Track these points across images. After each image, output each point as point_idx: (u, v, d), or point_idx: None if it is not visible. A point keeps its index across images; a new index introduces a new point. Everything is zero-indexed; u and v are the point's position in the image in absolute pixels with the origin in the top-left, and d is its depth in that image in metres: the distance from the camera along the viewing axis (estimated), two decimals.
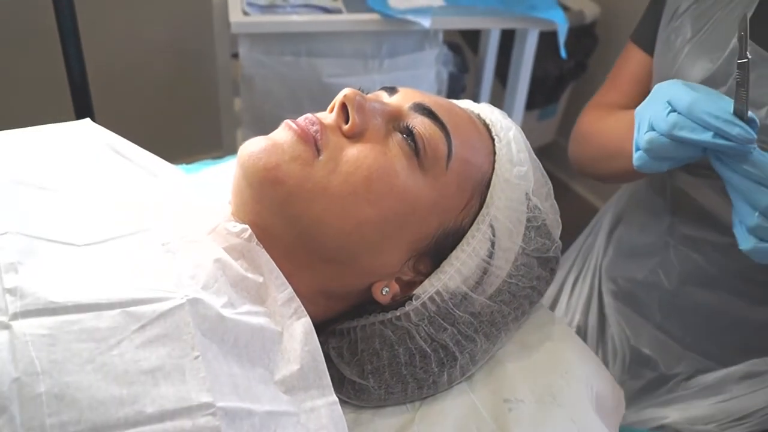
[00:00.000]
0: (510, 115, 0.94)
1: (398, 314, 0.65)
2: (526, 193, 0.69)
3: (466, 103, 0.76)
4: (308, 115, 0.65)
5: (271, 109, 1.55)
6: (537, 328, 0.74)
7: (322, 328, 0.67)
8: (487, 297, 0.67)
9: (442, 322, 0.65)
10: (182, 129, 2.12)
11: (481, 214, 0.67)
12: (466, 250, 0.66)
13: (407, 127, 0.64)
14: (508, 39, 1.87)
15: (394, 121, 0.66)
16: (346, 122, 0.64)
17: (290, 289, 0.60)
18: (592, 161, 0.94)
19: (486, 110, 0.74)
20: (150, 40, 2.01)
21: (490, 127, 0.72)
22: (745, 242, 0.65)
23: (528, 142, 0.73)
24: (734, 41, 0.77)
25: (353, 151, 0.62)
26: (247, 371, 0.54)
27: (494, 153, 0.69)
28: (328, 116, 0.66)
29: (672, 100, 0.64)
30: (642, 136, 0.67)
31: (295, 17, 1.46)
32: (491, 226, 0.67)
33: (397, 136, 0.64)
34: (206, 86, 1.97)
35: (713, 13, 0.80)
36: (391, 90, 0.70)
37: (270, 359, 0.57)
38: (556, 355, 0.72)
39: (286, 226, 0.62)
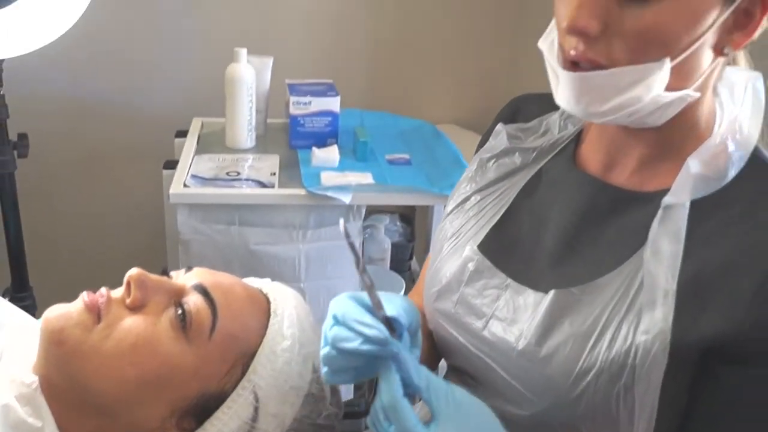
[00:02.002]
0: None
1: None
2: (313, 364, 0.81)
3: (258, 282, 0.89)
4: (102, 289, 0.79)
5: None
6: None
7: None
8: None
9: None
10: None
11: (242, 380, 0.78)
12: (227, 412, 0.77)
13: (181, 303, 0.77)
14: None
15: (176, 296, 0.79)
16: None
17: None
18: None
19: (273, 289, 0.87)
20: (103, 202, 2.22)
21: (272, 303, 0.84)
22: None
23: (311, 317, 0.85)
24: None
25: (128, 321, 0.76)
26: None
27: (267, 327, 0.81)
28: (119, 290, 0.80)
29: (336, 313, 0.74)
30: (320, 354, 0.75)
31: (226, 190, 1.64)
32: (254, 393, 0.78)
33: (172, 310, 0.77)
34: (155, 247, 2.13)
35: (468, 217, 0.93)
36: (188, 269, 0.84)
37: None
38: None
39: (66, 381, 0.74)
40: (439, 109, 2.44)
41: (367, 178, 1.75)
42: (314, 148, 1.84)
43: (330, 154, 1.83)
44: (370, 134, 1.93)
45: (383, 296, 0.75)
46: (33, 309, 1.58)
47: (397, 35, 2.33)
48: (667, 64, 0.71)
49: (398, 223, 2.22)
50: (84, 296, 0.78)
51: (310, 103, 1.88)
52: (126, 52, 2.18)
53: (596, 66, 0.73)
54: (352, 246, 0.73)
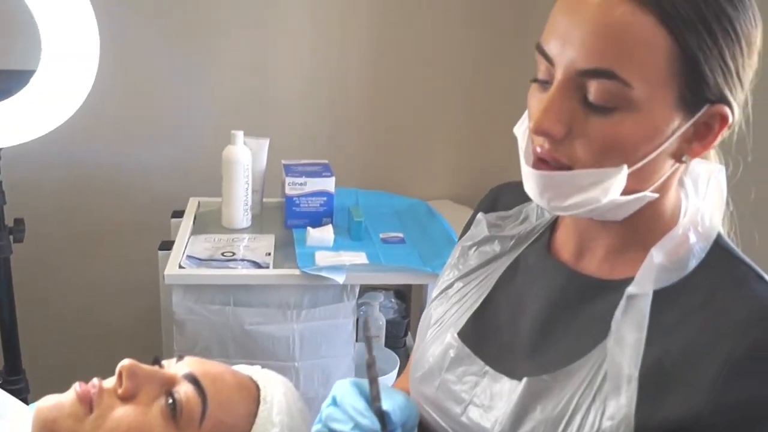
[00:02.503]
0: None
1: None
2: None
3: (248, 369, 0.90)
4: (94, 380, 0.80)
5: (201, 352, 1.70)
6: None
7: None
8: None
9: None
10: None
11: None
12: None
13: (171, 393, 0.79)
14: None
15: (167, 386, 0.80)
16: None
17: None
18: None
19: (262, 376, 0.88)
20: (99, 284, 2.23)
21: (261, 390, 0.85)
22: None
23: (300, 404, 0.86)
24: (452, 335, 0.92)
25: (120, 411, 0.77)
26: None
27: (256, 414, 0.83)
28: (111, 380, 0.81)
29: (335, 394, 0.79)
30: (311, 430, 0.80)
31: (221, 271, 1.66)
32: None
33: (162, 400, 0.78)
34: (150, 327, 2.13)
35: (451, 303, 0.96)
36: (179, 358, 0.85)
37: None
38: None
39: None
40: (435, 185, 2.49)
41: (361, 257, 1.78)
42: (309, 228, 1.87)
43: (325, 233, 1.86)
44: (364, 213, 1.96)
45: (385, 390, 0.78)
46: (26, 392, 1.58)
47: (391, 114, 2.38)
48: (625, 171, 0.74)
49: (393, 300, 2.23)
50: (76, 387, 0.79)
51: (305, 183, 1.92)
52: (123, 133, 2.23)
53: (560, 164, 0.77)
54: (369, 341, 0.76)
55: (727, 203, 0.86)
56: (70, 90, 1.34)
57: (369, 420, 0.73)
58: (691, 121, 0.74)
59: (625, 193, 0.76)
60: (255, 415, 0.83)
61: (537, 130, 0.76)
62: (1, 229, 1.50)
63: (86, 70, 1.35)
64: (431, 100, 2.40)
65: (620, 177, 0.74)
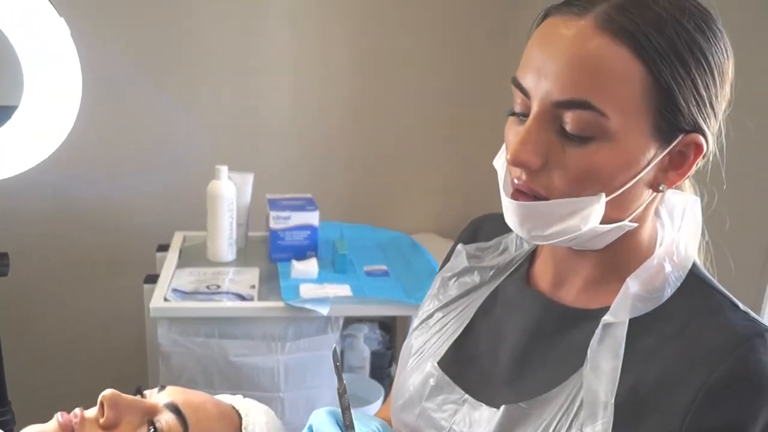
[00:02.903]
0: None
1: None
2: None
3: (230, 399, 0.92)
4: (76, 410, 0.81)
5: (186, 383, 1.71)
6: None
7: None
8: None
9: None
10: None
11: None
12: None
13: (152, 422, 0.80)
14: None
15: (149, 415, 0.81)
16: None
17: None
18: None
19: (244, 405, 0.90)
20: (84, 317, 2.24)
21: (243, 419, 0.87)
22: None
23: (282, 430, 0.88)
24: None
25: None
26: None
27: None
28: (93, 410, 0.82)
29: (312, 422, 0.83)
30: None
31: (206, 304, 1.68)
32: None
33: (144, 429, 0.80)
34: (135, 357, 2.13)
35: (432, 333, 0.98)
36: (161, 388, 0.87)
37: None
38: None
39: None
40: (419, 219, 2.51)
41: (345, 290, 1.79)
42: (293, 261, 1.89)
43: (309, 266, 1.87)
44: (348, 246, 1.98)
45: (360, 418, 0.80)
46: (12, 424, 1.58)
47: (375, 148, 2.42)
48: (603, 199, 0.76)
49: (377, 331, 2.24)
50: (58, 417, 0.80)
51: (289, 217, 1.94)
52: (107, 168, 2.25)
53: (537, 195, 0.79)
54: (338, 369, 0.78)
55: (703, 233, 0.88)
56: (52, 126, 1.36)
57: None
58: (667, 150, 0.77)
59: (604, 222, 0.78)
60: None
61: (514, 162, 0.77)
62: None
63: (69, 107, 1.37)
64: (414, 134, 2.44)
65: (599, 205, 0.76)
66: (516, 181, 0.80)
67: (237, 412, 0.88)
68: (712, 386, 0.73)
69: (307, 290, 1.77)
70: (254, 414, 0.88)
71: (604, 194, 0.76)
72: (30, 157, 1.37)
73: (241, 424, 0.86)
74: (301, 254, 1.96)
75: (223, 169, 1.89)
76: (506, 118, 0.83)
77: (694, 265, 0.84)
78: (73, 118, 1.38)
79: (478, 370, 0.91)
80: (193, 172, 2.11)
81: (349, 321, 2.13)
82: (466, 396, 0.89)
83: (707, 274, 0.85)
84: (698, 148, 0.78)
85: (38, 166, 1.44)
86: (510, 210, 0.81)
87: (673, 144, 0.76)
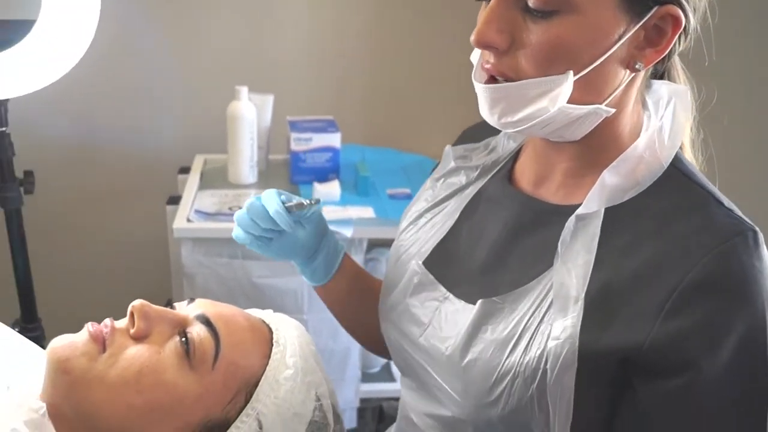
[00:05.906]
0: None
1: None
2: (316, 392, 0.83)
3: (261, 313, 0.91)
4: (107, 320, 0.80)
5: None
6: None
7: None
8: None
9: None
10: None
11: (246, 408, 0.79)
12: None
13: (184, 332, 0.79)
14: None
15: (179, 326, 0.80)
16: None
17: None
18: None
19: (275, 319, 0.89)
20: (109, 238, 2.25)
21: (274, 333, 0.86)
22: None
23: (312, 347, 0.87)
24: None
25: (132, 350, 0.77)
26: None
27: (269, 356, 0.83)
28: (124, 321, 0.81)
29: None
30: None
31: (229, 225, 1.66)
32: (258, 420, 0.79)
33: (176, 339, 0.79)
34: (160, 280, 2.15)
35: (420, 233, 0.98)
36: (191, 300, 0.85)
37: None
38: None
39: (72, 409, 0.76)
40: (441, 143, 2.46)
41: (368, 212, 1.78)
42: (315, 183, 1.87)
43: (331, 188, 1.86)
44: (371, 169, 1.96)
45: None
46: (42, 339, 1.60)
47: (397, 71, 2.36)
48: (571, 77, 0.73)
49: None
50: (89, 326, 0.79)
51: (310, 139, 1.92)
52: (129, 90, 2.22)
53: (507, 79, 0.76)
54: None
55: (699, 129, 0.85)
56: (71, 40, 1.33)
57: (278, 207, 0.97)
58: (640, 24, 0.72)
59: (577, 104, 0.74)
60: (268, 357, 0.83)
61: (479, 42, 0.75)
62: (11, 180, 1.50)
63: (88, 20, 1.33)
64: (438, 57, 2.37)
65: (567, 84, 0.73)
66: (486, 65, 0.77)
67: (267, 325, 0.87)
68: (687, 287, 0.70)
69: (329, 212, 1.76)
70: (285, 328, 0.87)
71: (572, 72, 0.73)
72: (51, 71, 1.34)
73: (272, 338, 0.85)
74: (323, 177, 1.94)
75: (243, 90, 1.86)
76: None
77: (678, 158, 0.80)
78: (92, 31, 1.35)
79: (460, 268, 0.91)
80: (213, 95, 2.08)
81: (372, 245, 2.12)
82: (448, 294, 0.89)
83: (692, 167, 0.81)
84: (676, 21, 0.73)
85: (60, 92, 1.42)
86: (481, 96, 0.79)
87: (647, 17, 0.72)
